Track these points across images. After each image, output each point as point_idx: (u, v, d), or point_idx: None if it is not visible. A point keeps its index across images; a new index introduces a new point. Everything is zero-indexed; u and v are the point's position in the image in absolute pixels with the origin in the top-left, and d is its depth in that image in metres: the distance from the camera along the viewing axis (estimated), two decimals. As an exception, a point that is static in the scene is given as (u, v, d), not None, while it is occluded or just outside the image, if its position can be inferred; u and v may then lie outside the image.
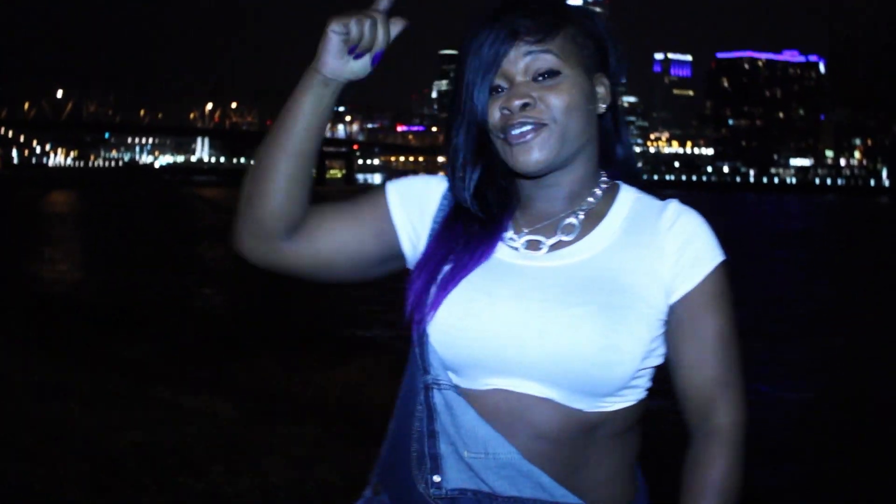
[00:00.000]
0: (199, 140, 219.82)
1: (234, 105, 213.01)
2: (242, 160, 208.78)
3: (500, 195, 1.42)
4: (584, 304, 1.29)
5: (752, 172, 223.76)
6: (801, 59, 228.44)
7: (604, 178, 1.44)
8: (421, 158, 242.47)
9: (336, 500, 4.56)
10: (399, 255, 1.46)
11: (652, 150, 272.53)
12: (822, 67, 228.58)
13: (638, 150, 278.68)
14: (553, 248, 1.37)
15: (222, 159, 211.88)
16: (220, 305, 14.74)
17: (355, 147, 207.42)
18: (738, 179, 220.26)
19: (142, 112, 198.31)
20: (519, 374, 1.30)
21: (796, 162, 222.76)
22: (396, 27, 1.33)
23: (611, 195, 1.43)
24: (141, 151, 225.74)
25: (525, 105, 1.31)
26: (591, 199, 1.40)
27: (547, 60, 1.32)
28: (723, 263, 1.36)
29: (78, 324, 10.66)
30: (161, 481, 4.63)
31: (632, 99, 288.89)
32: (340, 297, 15.12)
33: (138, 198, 60.09)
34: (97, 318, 11.36)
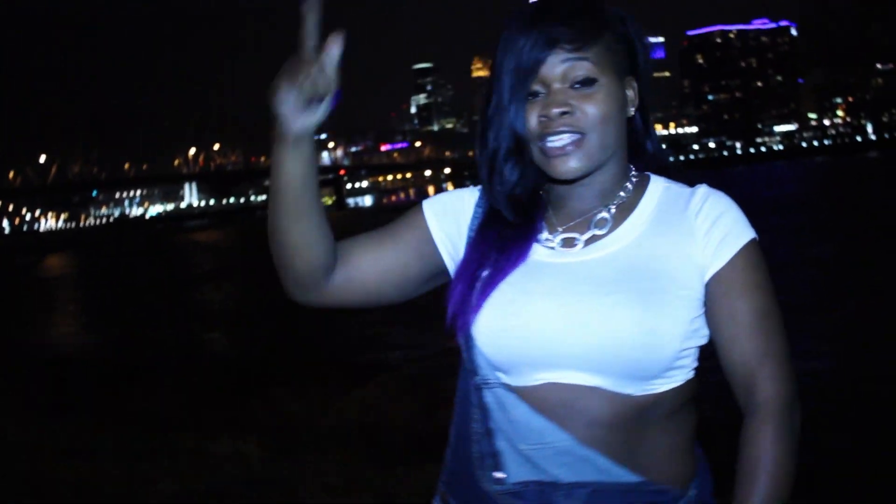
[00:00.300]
0: (186, 186, 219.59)
1: (216, 147, 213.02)
2: (231, 200, 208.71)
3: (533, 197, 1.45)
4: (619, 291, 1.32)
5: (738, 145, 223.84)
6: (772, 25, 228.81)
7: (633, 172, 1.47)
8: (409, 175, 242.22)
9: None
10: (443, 271, 1.51)
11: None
12: (793, 31, 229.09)
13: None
14: (587, 242, 1.41)
15: (212, 202, 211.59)
16: (228, 347, 14.75)
17: (342, 172, 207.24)
18: (725, 154, 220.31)
19: (126, 165, 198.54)
20: (565, 366, 1.33)
21: (781, 128, 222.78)
22: (336, 48, 1.28)
23: (641, 187, 1.46)
24: (130, 205, 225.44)
25: (564, 113, 1.34)
26: (622, 194, 1.44)
27: (584, 68, 1.35)
28: (753, 241, 1.38)
29: (90, 382, 10.64)
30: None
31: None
32: (344, 322, 15.11)
33: (133, 251, 60.03)
34: (109, 374, 11.34)
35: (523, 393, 1.36)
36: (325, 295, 1.47)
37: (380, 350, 12.59)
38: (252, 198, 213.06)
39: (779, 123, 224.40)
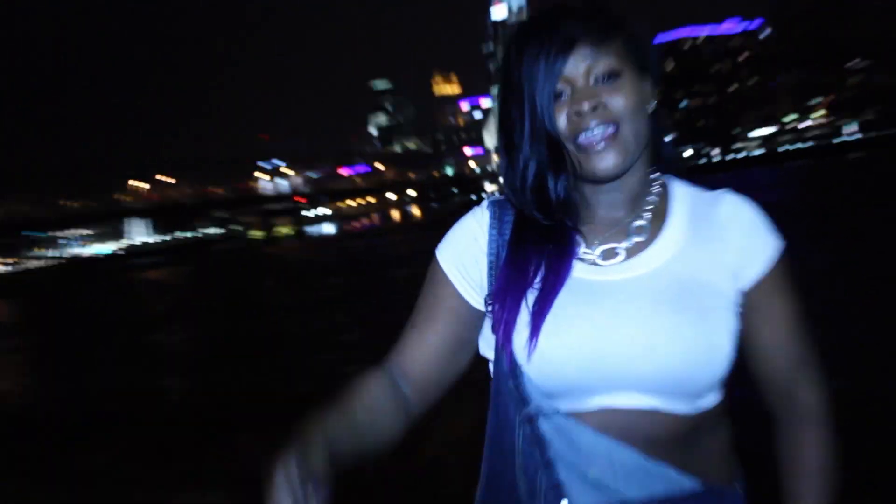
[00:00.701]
0: (136, 222, 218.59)
1: (165, 179, 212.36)
2: (182, 234, 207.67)
3: (562, 205, 1.47)
4: (681, 310, 1.37)
5: (715, 152, 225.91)
6: (744, 25, 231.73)
7: (653, 176, 1.52)
8: (371, 199, 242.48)
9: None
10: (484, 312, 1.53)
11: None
12: (766, 31, 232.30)
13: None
14: (629, 252, 1.44)
15: (164, 237, 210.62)
16: (187, 393, 14.61)
17: (301, 199, 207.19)
18: (702, 162, 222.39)
19: (64, 203, 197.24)
20: (625, 388, 1.37)
21: (758, 133, 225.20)
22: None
23: (664, 191, 1.53)
24: (74, 245, 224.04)
25: (594, 107, 1.36)
26: (650, 199, 1.49)
27: (608, 62, 1.38)
28: (783, 247, 1.46)
29: (40, 438, 10.51)
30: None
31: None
32: (306, 361, 15.04)
33: (81, 293, 59.55)
34: (59, 428, 11.21)
35: (577, 418, 1.39)
36: (423, 409, 1.56)
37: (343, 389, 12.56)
38: (206, 231, 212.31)
39: (756, 128, 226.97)
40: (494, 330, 1.46)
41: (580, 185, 1.47)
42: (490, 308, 1.48)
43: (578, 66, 1.38)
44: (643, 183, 1.48)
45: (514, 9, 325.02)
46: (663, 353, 1.34)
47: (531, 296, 1.42)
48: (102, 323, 31.93)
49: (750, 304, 1.43)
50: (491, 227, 1.53)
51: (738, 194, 1.49)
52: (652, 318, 1.35)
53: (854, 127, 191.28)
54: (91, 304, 46.43)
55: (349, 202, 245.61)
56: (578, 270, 1.44)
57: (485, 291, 1.50)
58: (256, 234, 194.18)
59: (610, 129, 1.37)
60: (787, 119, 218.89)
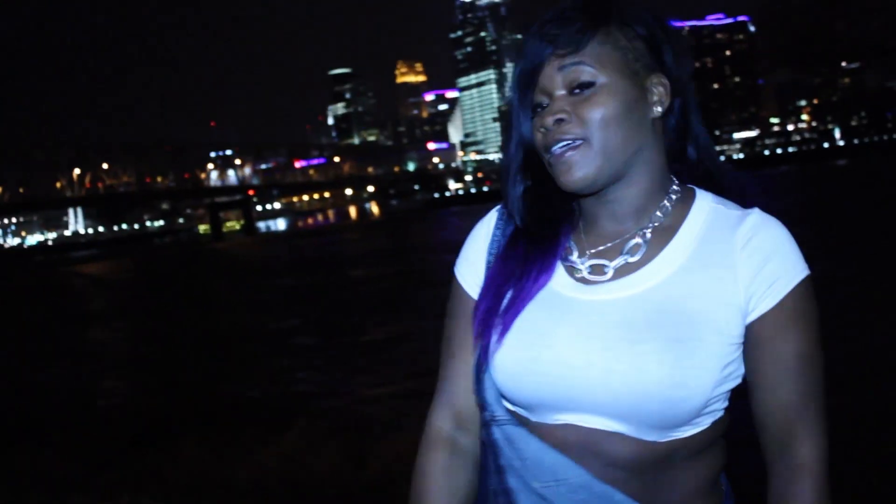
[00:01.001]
0: (70, 211, 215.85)
1: (105, 166, 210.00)
2: (124, 226, 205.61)
3: (555, 213, 1.51)
4: (649, 340, 1.35)
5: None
6: (728, 20, 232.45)
7: (675, 186, 1.50)
8: (327, 194, 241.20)
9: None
10: None
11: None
12: (751, 27, 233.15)
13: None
14: (618, 271, 1.44)
15: (101, 229, 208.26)
16: (125, 393, 14.55)
17: (251, 193, 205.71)
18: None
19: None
20: (586, 411, 1.39)
21: (741, 135, 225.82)
22: None
23: (684, 205, 1.49)
24: (4, 234, 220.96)
25: (559, 121, 1.39)
26: (659, 213, 1.47)
27: (580, 72, 1.39)
28: (806, 278, 1.39)
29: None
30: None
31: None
32: (252, 364, 15.04)
33: (10, 286, 58.87)
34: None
35: (541, 430, 1.43)
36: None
37: (294, 395, 12.57)
38: (147, 223, 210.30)
39: (738, 130, 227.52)
40: (474, 322, 1.51)
41: (577, 195, 1.49)
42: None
43: (554, 76, 1.40)
44: (649, 194, 1.46)
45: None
46: (618, 381, 1.34)
47: (509, 294, 1.47)
48: (35, 318, 31.63)
49: (755, 340, 1.38)
50: (496, 227, 1.58)
51: (766, 215, 1.43)
52: (616, 345, 1.35)
53: (839, 132, 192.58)
54: (23, 298, 45.94)
55: (303, 197, 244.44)
56: (559, 284, 1.46)
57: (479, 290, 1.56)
58: (203, 227, 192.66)
59: (576, 143, 1.38)
60: (772, 121, 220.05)
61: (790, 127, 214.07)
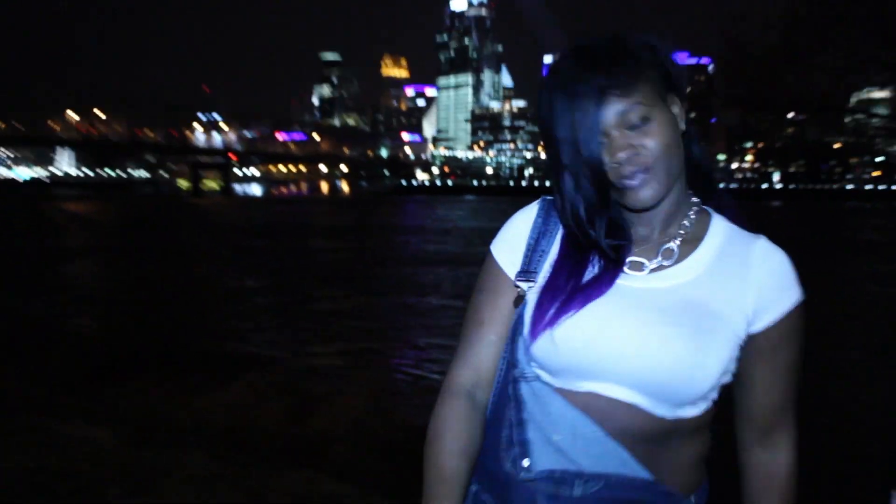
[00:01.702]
0: (61, 151, 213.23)
1: (99, 113, 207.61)
2: (111, 172, 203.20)
3: (614, 230, 1.56)
4: (679, 325, 1.46)
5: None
6: (692, 60, 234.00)
7: (694, 199, 1.61)
8: (303, 168, 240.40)
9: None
10: None
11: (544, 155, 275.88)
12: (711, 69, 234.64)
13: (529, 155, 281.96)
14: (653, 270, 1.54)
15: (88, 172, 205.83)
16: (91, 328, 14.46)
17: (232, 157, 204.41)
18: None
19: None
20: (613, 380, 1.48)
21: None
22: None
23: (704, 222, 1.60)
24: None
25: (630, 157, 1.47)
26: (686, 223, 1.58)
27: (637, 110, 1.46)
28: (802, 301, 1.53)
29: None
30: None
31: (521, 103, 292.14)
32: (215, 313, 15.01)
33: (-3, 215, 58.03)
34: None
35: (564, 394, 1.51)
36: None
37: (253, 344, 12.54)
38: (133, 173, 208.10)
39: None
40: (532, 316, 1.55)
41: (619, 206, 1.57)
42: (522, 283, 1.60)
43: (610, 118, 1.46)
44: (677, 204, 1.57)
45: (475, 1, 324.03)
46: (650, 357, 1.44)
47: (570, 288, 1.53)
48: (15, 248, 31.26)
49: (755, 346, 1.51)
50: (537, 216, 1.65)
51: (773, 243, 1.56)
52: (651, 326, 1.46)
53: (778, 176, 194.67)
54: (6, 227, 45.35)
55: (280, 167, 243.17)
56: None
57: (517, 269, 1.62)
58: (183, 183, 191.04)
59: (645, 171, 1.47)
60: (718, 157, 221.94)
61: (734, 165, 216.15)
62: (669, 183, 1.50)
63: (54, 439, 6.04)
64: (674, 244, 1.56)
